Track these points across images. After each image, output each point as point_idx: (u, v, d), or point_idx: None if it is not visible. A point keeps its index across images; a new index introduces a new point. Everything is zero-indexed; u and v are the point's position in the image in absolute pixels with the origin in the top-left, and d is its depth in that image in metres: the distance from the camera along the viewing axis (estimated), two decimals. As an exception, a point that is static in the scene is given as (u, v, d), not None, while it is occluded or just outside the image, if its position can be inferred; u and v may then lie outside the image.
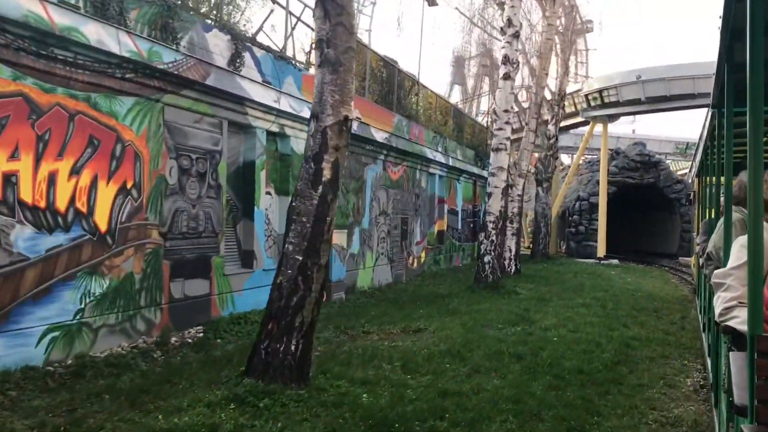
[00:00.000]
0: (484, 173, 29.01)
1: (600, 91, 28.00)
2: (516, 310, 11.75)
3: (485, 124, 30.94)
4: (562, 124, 31.70)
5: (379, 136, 16.00)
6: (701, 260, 7.24)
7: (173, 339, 8.63)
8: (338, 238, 13.18)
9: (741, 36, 2.71)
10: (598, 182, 30.53)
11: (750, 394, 2.40)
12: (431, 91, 22.45)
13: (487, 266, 15.33)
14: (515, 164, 18.91)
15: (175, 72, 8.77)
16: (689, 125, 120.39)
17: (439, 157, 21.58)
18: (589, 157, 38.14)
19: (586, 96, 28.80)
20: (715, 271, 3.27)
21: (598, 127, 29.62)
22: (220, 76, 9.84)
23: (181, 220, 9.35)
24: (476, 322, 10.28)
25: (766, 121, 2.73)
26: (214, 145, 10.02)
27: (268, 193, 11.78)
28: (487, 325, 10.15)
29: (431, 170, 21.25)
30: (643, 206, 33.16)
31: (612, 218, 31.81)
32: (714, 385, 5.25)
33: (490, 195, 15.59)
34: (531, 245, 28.53)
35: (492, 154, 15.72)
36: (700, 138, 8.77)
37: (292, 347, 5.84)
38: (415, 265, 19.82)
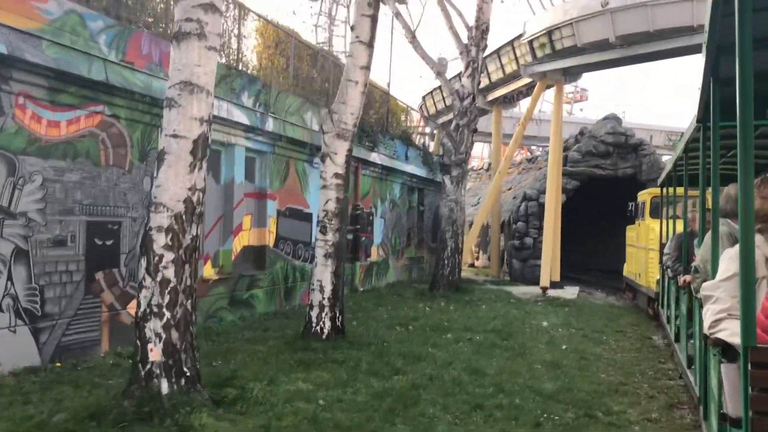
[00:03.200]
0: (386, 161, 19.51)
1: (549, 33, 18.45)
2: None
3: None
4: (499, 93, 22.29)
5: None
6: (669, 272, 8.65)
7: None
8: None
9: (727, 51, 2.93)
10: (556, 175, 21.03)
11: (744, 406, 2.40)
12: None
13: (150, 357, 5.72)
14: (329, 113, 9.24)
15: None
16: (688, 108, 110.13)
17: (240, 117, 12.00)
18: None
19: (530, 43, 19.26)
20: (704, 284, 3.24)
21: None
22: None
23: None
24: None
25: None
26: None
27: None
28: None
29: (218, 136, 11.65)
30: (620, 208, 23.64)
31: (573, 226, 22.36)
32: (702, 398, 5.24)
33: (160, 162, 5.99)
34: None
35: (173, 50, 6.14)
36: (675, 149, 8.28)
37: None
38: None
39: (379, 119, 20.61)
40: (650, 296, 13.35)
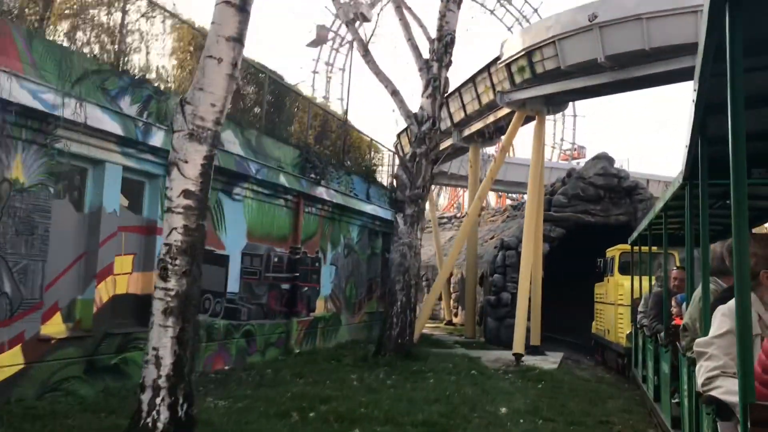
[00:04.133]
0: (340, 198, 16.74)
1: (528, 54, 15.85)
2: None
3: (343, 114, 18.72)
4: (475, 127, 19.69)
5: None
6: (646, 330, 8.59)
7: None
8: None
9: (715, 110, 3.12)
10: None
11: None
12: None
13: None
14: (180, 104, 6.39)
15: None
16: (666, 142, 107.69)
17: (110, 125, 9.18)
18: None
19: (508, 67, 16.67)
20: (697, 340, 3.23)
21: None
22: None
23: None
24: None
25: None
26: None
27: None
28: None
29: (80, 149, 8.80)
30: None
31: (561, 280, 19.49)
32: None
33: None
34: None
35: None
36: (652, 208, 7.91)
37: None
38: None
39: (335, 151, 17.93)
40: (620, 352, 13.27)
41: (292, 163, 14.63)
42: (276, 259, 14.09)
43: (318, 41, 44.27)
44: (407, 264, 12.85)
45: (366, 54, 14.08)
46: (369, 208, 18.77)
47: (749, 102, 2.60)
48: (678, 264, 11.29)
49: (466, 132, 20.62)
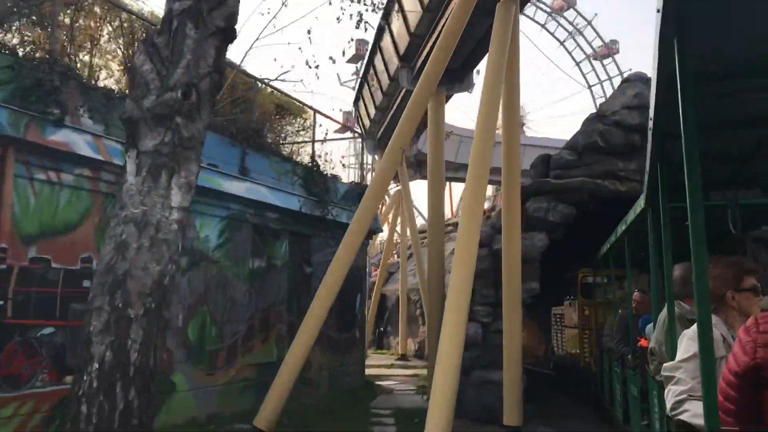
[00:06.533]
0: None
1: None
2: None
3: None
4: (426, 55, 11.96)
5: None
6: (613, 354, 8.42)
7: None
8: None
9: (672, 137, 3.09)
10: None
11: None
12: None
13: None
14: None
15: None
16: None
17: None
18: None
19: None
20: (665, 364, 3.27)
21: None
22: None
23: None
24: None
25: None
26: None
27: None
28: None
29: None
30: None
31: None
32: None
33: None
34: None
35: None
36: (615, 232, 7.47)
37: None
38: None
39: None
40: (585, 377, 11.68)
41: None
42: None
43: (358, 56, 42.82)
44: (126, 267, 5.12)
45: None
46: (244, 189, 11.23)
47: (704, 128, 2.61)
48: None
49: (419, 64, 12.92)
